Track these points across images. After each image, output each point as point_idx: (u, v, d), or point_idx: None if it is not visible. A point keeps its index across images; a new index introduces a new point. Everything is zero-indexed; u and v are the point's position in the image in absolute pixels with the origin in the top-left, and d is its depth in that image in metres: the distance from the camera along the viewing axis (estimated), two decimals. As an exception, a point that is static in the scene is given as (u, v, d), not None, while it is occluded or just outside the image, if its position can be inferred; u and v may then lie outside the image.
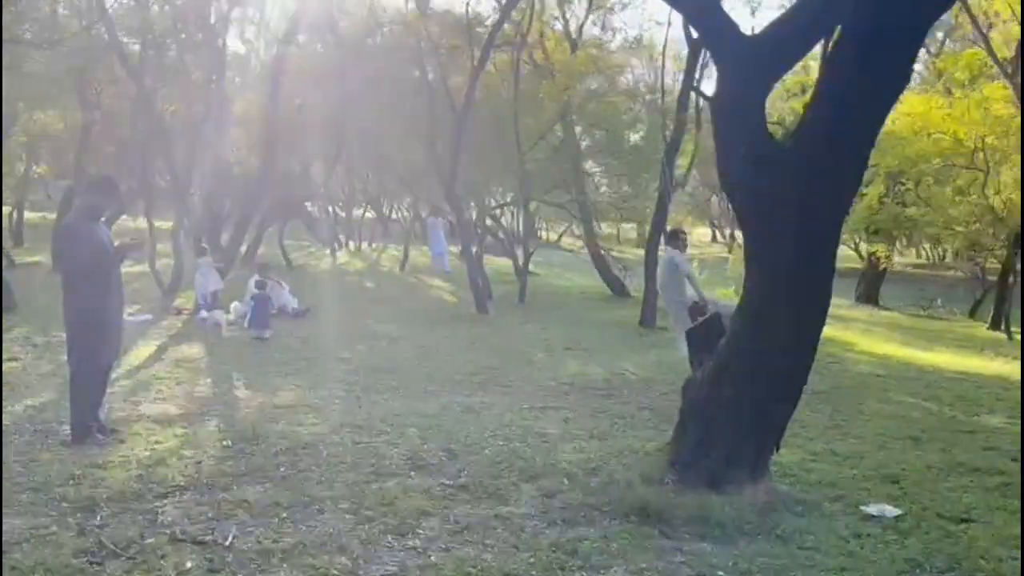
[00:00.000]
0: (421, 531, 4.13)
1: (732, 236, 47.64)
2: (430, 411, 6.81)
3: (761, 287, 4.76)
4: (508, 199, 18.69)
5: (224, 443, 5.52)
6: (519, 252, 16.72)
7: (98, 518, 4.21)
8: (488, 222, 18.86)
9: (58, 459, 5.07)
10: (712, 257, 26.32)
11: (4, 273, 11.48)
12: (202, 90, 15.30)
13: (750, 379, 4.73)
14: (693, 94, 12.80)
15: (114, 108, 16.21)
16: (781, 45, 4.77)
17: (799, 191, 4.46)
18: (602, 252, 17.87)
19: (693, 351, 6.15)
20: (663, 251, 9.45)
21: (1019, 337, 14.55)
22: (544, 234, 32.57)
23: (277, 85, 14.10)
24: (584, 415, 6.92)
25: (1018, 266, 15.92)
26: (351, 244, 29.16)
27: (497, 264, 19.12)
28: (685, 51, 13.56)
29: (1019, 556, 4.09)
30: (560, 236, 26.97)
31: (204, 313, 11.60)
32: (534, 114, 16.00)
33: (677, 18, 17.20)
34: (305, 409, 6.77)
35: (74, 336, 5.53)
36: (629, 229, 26.83)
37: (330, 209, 29.17)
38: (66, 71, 15.28)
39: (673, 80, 15.13)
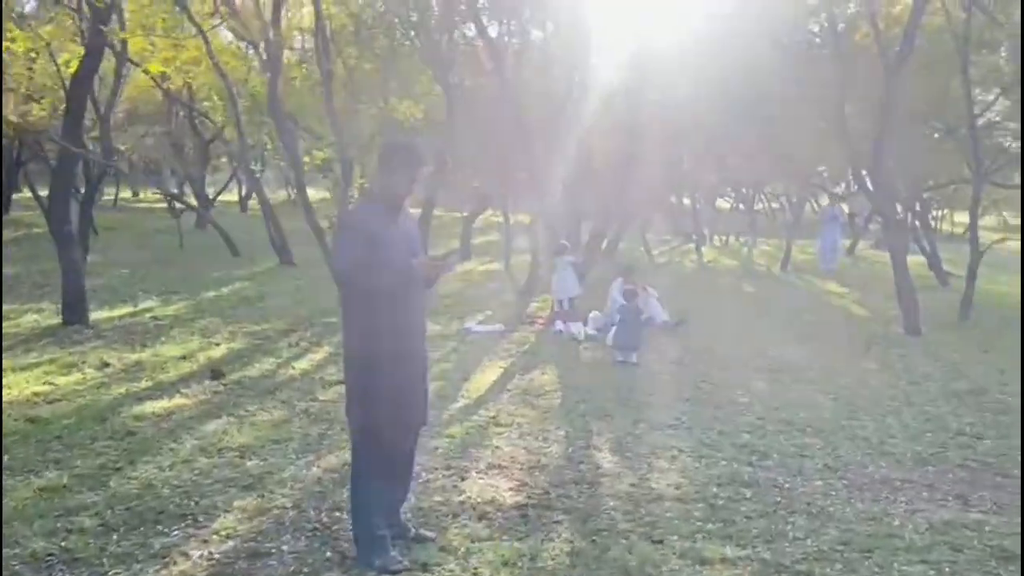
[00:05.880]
0: None
1: None
2: (932, 546, 3.91)
3: None
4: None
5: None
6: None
7: None
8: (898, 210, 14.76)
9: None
10: None
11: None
12: (564, 78, 13.74)
13: None
14: None
15: (473, 101, 15.41)
16: None
17: None
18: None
19: None
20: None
21: None
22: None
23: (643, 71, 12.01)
24: None
25: None
26: (716, 238, 26.25)
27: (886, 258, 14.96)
28: None
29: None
30: (968, 226, 21.32)
31: (560, 324, 9.79)
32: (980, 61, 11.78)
33: None
34: (710, 507, 4.30)
35: (354, 386, 3.52)
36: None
37: (692, 200, 26.54)
38: (430, 64, 14.75)
39: None
